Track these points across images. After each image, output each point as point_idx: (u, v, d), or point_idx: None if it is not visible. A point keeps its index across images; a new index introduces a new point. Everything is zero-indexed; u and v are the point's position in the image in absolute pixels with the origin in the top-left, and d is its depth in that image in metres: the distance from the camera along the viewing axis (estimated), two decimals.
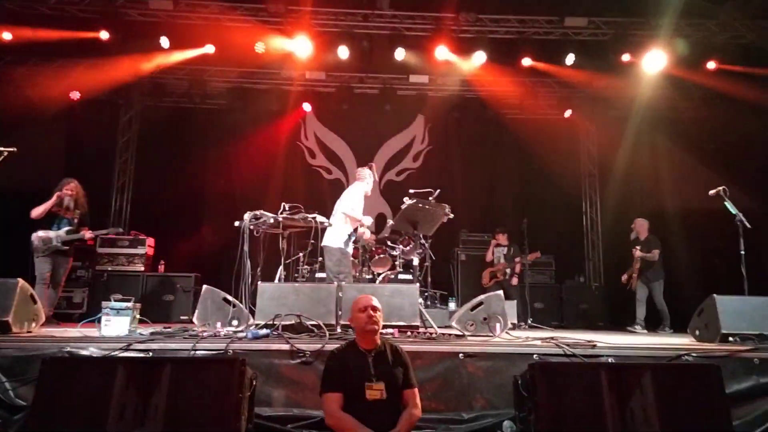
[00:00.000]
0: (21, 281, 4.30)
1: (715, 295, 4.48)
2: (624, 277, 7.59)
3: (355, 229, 5.99)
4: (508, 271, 7.95)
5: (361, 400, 2.96)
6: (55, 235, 5.81)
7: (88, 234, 5.99)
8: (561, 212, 9.68)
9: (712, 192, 5.39)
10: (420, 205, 5.06)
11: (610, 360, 3.66)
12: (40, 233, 5.77)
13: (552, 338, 4.19)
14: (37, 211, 5.75)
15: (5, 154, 5.20)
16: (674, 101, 9.27)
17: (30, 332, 4.25)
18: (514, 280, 7.91)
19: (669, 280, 7.56)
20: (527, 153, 9.81)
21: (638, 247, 7.51)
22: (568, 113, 9.63)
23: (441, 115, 9.81)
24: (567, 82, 9.31)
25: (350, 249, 5.85)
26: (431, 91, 9.62)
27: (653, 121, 9.42)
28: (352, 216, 5.91)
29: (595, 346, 3.86)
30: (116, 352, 3.52)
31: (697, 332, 4.66)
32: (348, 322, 3.31)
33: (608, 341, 4.29)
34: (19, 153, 5.28)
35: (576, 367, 3.47)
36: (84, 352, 3.54)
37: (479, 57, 8.33)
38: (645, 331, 7.08)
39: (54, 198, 5.82)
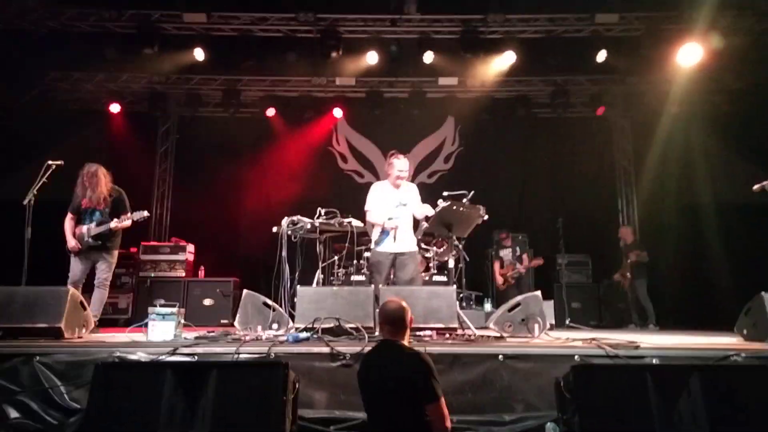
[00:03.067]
0: (71, 289, 4.47)
1: (763, 293, 4.36)
2: (616, 277, 8.11)
3: (382, 230, 5.36)
4: (521, 270, 7.91)
5: None
6: (87, 229, 5.46)
7: (113, 224, 5.46)
8: (596, 210, 9.54)
9: (756, 187, 5.23)
10: (454, 207, 5.05)
11: (654, 361, 3.59)
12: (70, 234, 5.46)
13: (593, 339, 4.13)
14: (65, 224, 5.53)
15: (53, 167, 5.43)
16: (710, 95, 9.06)
17: (81, 337, 4.41)
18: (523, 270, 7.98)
19: (703, 278, 7.47)
20: (560, 152, 9.74)
21: (636, 251, 7.86)
22: (600, 110, 9.48)
23: (471, 116, 9.78)
24: (599, 79, 9.21)
25: (382, 249, 5.30)
26: (461, 92, 9.61)
27: (688, 116, 9.21)
28: (368, 218, 5.51)
29: (638, 346, 3.80)
30: (163, 357, 3.63)
31: (745, 331, 4.53)
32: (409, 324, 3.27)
33: (651, 341, 4.22)
34: (64, 165, 5.49)
35: (620, 368, 3.43)
36: (133, 357, 3.66)
37: (509, 57, 8.28)
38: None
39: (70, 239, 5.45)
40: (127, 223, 5.55)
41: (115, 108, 9.27)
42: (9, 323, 4.13)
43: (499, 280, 8.10)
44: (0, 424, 3.35)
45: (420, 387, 2.87)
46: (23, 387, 3.51)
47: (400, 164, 5.43)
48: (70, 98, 9.32)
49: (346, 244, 5.51)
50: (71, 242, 5.44)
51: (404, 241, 5.30)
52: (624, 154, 10.07)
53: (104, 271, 5.48)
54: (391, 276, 5.31)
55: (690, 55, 7.82)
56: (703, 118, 9.10)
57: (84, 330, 4.50)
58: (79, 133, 8.90)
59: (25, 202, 5.21)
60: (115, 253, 5.62)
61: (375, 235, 5.42)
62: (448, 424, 2.88)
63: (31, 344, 3.88)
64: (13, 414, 3.41)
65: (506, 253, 8.15)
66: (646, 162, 9.45)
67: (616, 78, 9.11)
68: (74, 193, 5.58)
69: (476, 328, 4.72)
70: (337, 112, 9.74)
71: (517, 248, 8.08)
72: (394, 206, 5.37)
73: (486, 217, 5.18)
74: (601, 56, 8.14)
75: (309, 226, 5.35)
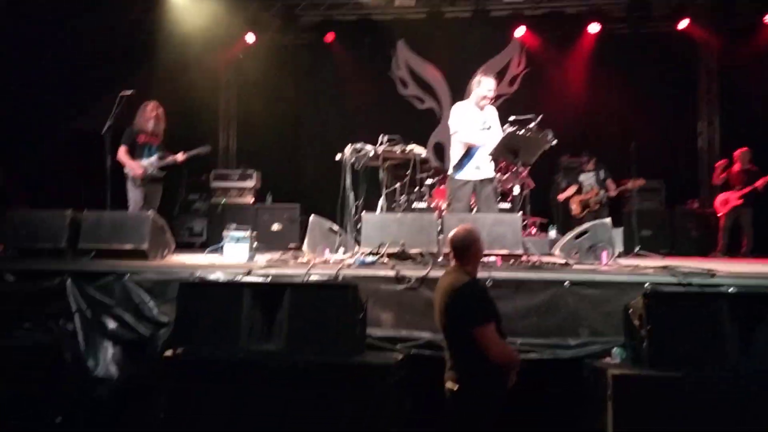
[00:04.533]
0: (153, 213, 4.77)
1: None
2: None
3: (467, 153, 5.12)
4: (602, 199, 7.57)
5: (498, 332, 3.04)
6: (149, 163, 5.67)
7: (180, 156, 5.74)
8: (673, 134, 8.97)
9: None
10: (521, 132, 4.89)
11: (731, 290, 3.47)
12: (136, 173, 5.65)
13: (665, 266, 4.02)
14: (122, 154, 5.64)
15: (125, 97, 5.62)
16: None
17: (163, 259, 4.73)
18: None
19: None
20: (636, 71, 9.07)
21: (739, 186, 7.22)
22: (683, 24, 8.69)
23: (539, 35, 9.21)
24: None
25: (462, 176, 5.16)
26: (528, 9, 9.02)
27: None
28: (461, 139, 5.21)
29: (714, 274, 3.66)
30: (239, 277, 3.85)
31: None
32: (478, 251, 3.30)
33: (728, 269, 4.05)
34: (131, 97, 5.66)
35: (693, 296, 3.34)
36: (212, 277, 3.91)
37: None
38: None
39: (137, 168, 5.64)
40: (187, 155, 5.82)
41: (179, 38, 9.33)
42: (100, 245, 4.48)
43: (576, 207, 7.81)
44: (102, 332, 3.72)
45: (466, 312, 2.99)
46: (117, 301, 3.84)
47: (490, 83, 5.17)
48: (138, 29, 9.44)
49: (407, 171, 5.52)
50: (139, 170, 5.64)
51: (487, 167, 5.19)
52: (709, 72, 9.27)
53: (158, 200, 5.81)
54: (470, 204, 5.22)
55: None
56: None
57: (166, 252, 4.81)
58: (148, 65, 9.09)
59: (103, 132, 5.46)
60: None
61: (454, 159, 5.25)
62: (494, 351, 2.94)
63: (121, 263, 4.20)
64: (111, 324, 3.77)
65: (587, 177, 7.81)
66: (735, 81, 8.68)
67: None
68: (131, 127, 5.76)
69: (541, 255, 4.69)
70: (397, 35, 9.42)
71: (601, 172, 7.64)
72: (479, 129, 5.18)
73: (554, 142, 5.00)
74: None
75: (372, 153, 5.35)
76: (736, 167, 7.43)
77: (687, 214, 8.14)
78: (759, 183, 7.07)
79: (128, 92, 5.63)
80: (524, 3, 8.91)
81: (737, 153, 7.47)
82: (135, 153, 5.72)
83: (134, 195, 5.69)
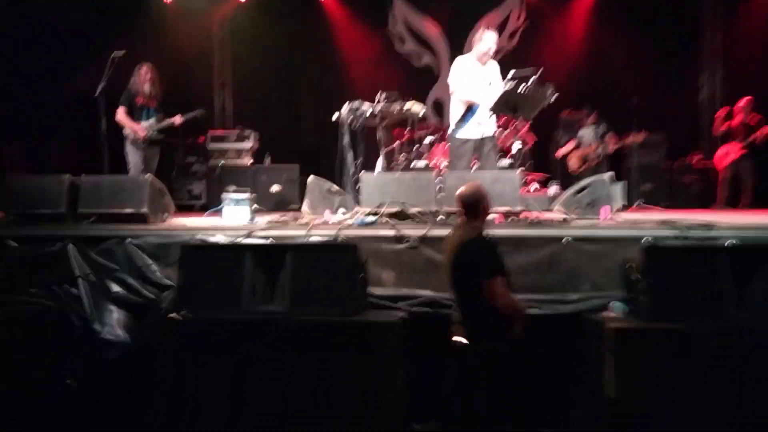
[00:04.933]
0: (151, 176, 4.74)
1: None
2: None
3: (468, 110, 5.03)
4: (601, 153, 7.51)
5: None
6: (148, 125, 5.68)
7: (177, 119, 5.81)
8: (675, 86, 8.82)
9: None
10: (520, 89, 4.81)
11: (729, 242, 3.48)
12: (138, 134, 5.67)
13: (665, 220, 4.02)
14: (121, 115, 5.61)
15: (117, 58, 5.51)
16: None
17: (164, 222, 4.73)
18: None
19: None
20: (636, 24, 8.85)
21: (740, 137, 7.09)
22: None
23: None
24: None
25: (463, 134, 5.10)
26: None
27: None
28: (460, 98, 5.12)
29: (713, 227, 3.67)
30: (240, 239, 3.86)
31: None
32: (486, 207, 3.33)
33: (728, 222, 4.05)
34: (123, 59, 5.56)
35: (692, 249, 3.36)
36: (213, 239, 3.92)
37: None
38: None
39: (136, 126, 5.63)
40: (184, 117, 5.86)
41: None
42: (99, 209, 4.48)
43: (575, 162, 7.74)
44: (107, 296, 3.76)
45: (475, 265, 3.08)
46: (120, 265, 3.87)
47: (492, 38, 5.10)
48: None
49: (407, 129, 5.46)
50: (141, 132, 5.63)
51: (488, 124, 5.13)
52: (712, 23, 9.04)
53: (155, 162, 5.83)
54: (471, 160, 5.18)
55: None
56: None
57: (166, 215, 4.80)
58: (138, 25, 8.88)
59: (96, 94, 5.37)
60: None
61: (455, 117, 5.18)
62: (503, 303, 3.04)
63: (122, 227, 4.21)
64: (115, 288, 3.81)
65: (586, 132, 7.72)
66: (740, 29, 8.48)
67: None
68: (128, 89, 5.72)
69: (542, 211, 4.69)
70: None
71: (601, 127, 7.52)
72: (480, 85, 5.09)
73: (555, 96, 4.92)
74: None
75: (368, 111, 5.27)
76: (737, 119, 7.33)
77: (688, 168, 8.09)
78: (757, 135, 6.99)
79: (120, 53, 5.52)
80: None
81: (738, 105, 7.36)
82: (133, 115, 5.68)
83: (134, 158, 5.68)
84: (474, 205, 3.24)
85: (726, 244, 3.36)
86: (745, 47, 8.47)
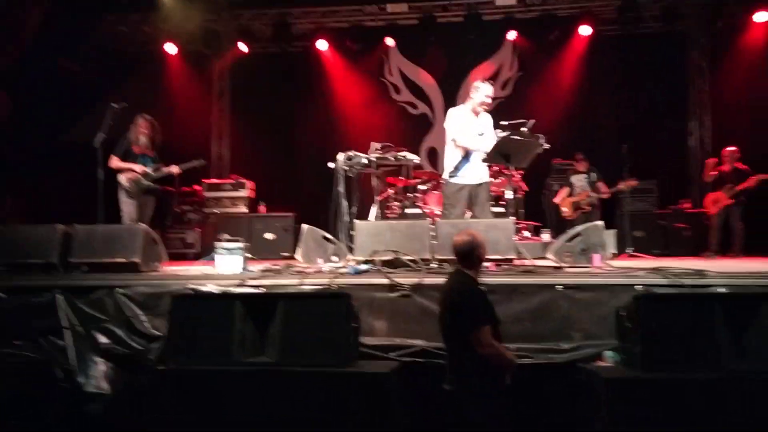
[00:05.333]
0: (145, 226, 4.76)
1: None
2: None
3: (464, 157, 5.15)
4: (593, 201, 7.61)
5: (494, 335, 3.08)
6: (144, 172, 5.71)
7: (175, 169, 5.84)
8: (665, 134, 9.00)
9: None
10: (513, 137, 4.90)
11: (722, 290, 3.48)
12: (130, 174, 5.67)
13: (657, 268, 4.03)
14: (116, 162, 5.63)
15: (117, 109, 5.62)
16: None
17: (156, 271, 4.71)
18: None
19: None
20: (627, 73, 9.12)
21: (729, 186, 7.22)
22: (674, 24, 8.74)
23: (531, 38, 9.25)
24: None
25: (458, 180, 5.20)
26: (519, 13, 9.07)
27: None
28: (460, 144, 5.20)
29: (705, 275, 3.67)
30: (232, 288, 3.84)
31: None
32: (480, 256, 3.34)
33: (719, 269, 4.06)
34: (122, 110, 5.68)
35: (685, 297, 3.35)
36: (204, 289, 3.90)
37: None
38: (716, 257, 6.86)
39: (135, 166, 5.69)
40: (181, 167, 5.91)
41: (171, 49, 9.37)
42: (91, 258, 4.47)
43: (568, 209, 7.82)
44: (93, 348, 3.70)
45: (463, 313, 3.08)
46: (109, 316, 3.83)
47: (488, 90, 5.21)
48: (129, 41, 9.46)
49: (401, 178, 5.52)
50: (138, 169, 5.66)
51: (482, 172, 5.21)
52: (699, 72, 9.31)
53: (152, 210, 5.84)
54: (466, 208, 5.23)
55: None
56: None
57: (158, 264, 4.79)
58: (139, 76, 9.12)
59: (96, 144, 5.45)
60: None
61: (451, 164, 5.26)
62: (488, 352, 3.02)
63: (113, 277, 4.18)
64: (103, 339, 3.76)
65: (578, 179, 7.82)
66: (725, 79, 8.74)
67: None
68: (124, 138, 5.78)
69: (534, 259, 4.70)
70: (389, 42, 9.45)
71: (593, 174, 7.66)
72: (473, 135, 5.20)
73: (546, 146, 5.01)
74: None
75: (364, 160, 5.36)
76: (726, 166, 7.46)
77: (679, 214, 8.15)
78: (751, 182, 7.08)
79: (120, 105, 5.63)
80: (516, 6, 8.95)
81: (725, 152, 7.51)
82: (130, 162, 5.73)
83: (127, 207, 5.69)
84: (468, 254, 3.27)
85: (719, 291, 3.36)
86: (731, 96, 8.70)
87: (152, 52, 9.44)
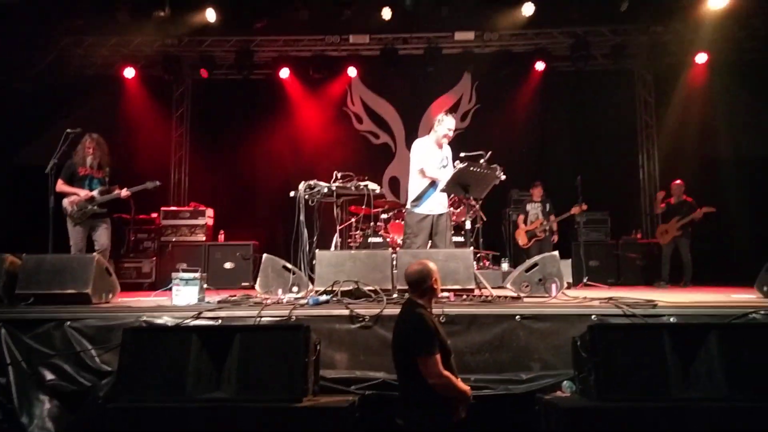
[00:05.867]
0: (97, 256, 4.60)
1: None
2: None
3: (428, 187, 5.21)
4: (547, 228, 7.85)
5: (445, 365, 3.04)
6: (89, 196, 5.47)
7: (123, 192, 5.57)
8: (616, 167, 9.39)
9: None
10: (471, 168, 5.00)
11: (672, 320, 3.60)
12: (73, 198, 5.44)
13: (611, 298, 4.15)
14: (60, 186, 5.43)
15: (72, 135, 5.44)
16: (738, 42, 8.75)
17: (108, 303, 4.55)
18: (555, 238, 7.86)
19: (724, 233, 7.64)
20: (579, 106, 9.54)
21: (677, 218, 7.60)
22: (621, 62, 9.20)
23: (489, 72, 9.55)
24: (621, 30, 8.93)
25: (421, 210, 5.25)
26: (478, 47, 9.37)
27: (714, 65, 8.95)
28: (427, 174, 5.25)
29: (656, 305, 3.80)
30: (188, 321, 3.74)
31: (765, 288, 4.50)
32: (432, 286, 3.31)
33: (669, 299, 4.21)
34: (79, 132, 5.52)
35: (637, 327, 3.45)
36: (159, 321, 3.78)
37: (527, 9, 8.05)
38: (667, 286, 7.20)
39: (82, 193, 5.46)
40: (132, 190, 5.63)
41: (129, 73, 9.25)
42: (39, 290, 4.28)
43: (523, 238, 8.02)
44: (38, 385, 3.51)
45: (411, 342, 3.05)
46: (57, 350, 3.65)
47: (451, 123, 5.28)
48: (85, 64, 9.30)
49: (363, 207, 5.54)
50: (83, 194, 5.42)
51: (443, 203, 5.29)
52: (646, 107, 9.81)
53: (105, 237, 5.54)
54: (428, 238, 5.28)
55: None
56: (729, 68, 8.83)
57: (110, 295, 4.64)
58: (95, 99, 8.94)
59: (47, 170, 5.27)
60: (109, 219, 5.67)
61: (414, 194, 5.32)
62: (437, 382, 2.98)
63: (62, 310, 4.01)
64: (49, 376, 3.58)
65: (533, 207, 8.06)
66: (668, 115, 9.24)
67: (639, 27, 8.83)
68: (69, 162, 5.56)
69: (493, 288, 4.76)
70: (351, 72, 9.59)
71: (547, 205, 7.93)
72: (437, 167, 5.29)
73: (503, 177, 5.13)
74: (624, 4, 7.85)
75: (326, 190, 5.36)
76: (673, 199, 7.83)
77: (631, 244, 8.45)
78: (698, 214, 7.43)
79: (75, 130, 5.48)
80: (474, 42, 9.25)
81: (673, 185, 7.90)
82: (75, 186, 5.52)
83: (73, 235, 5.45)
84: (419, 283, 3.25)
85: (669, 321, 3.48)
86: (676, 131, 9.18)
87: (110, 76, 9.30)
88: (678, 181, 7.88)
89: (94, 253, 4.75)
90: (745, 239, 8.00)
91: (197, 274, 4.36)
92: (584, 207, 7.66)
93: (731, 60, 8.86)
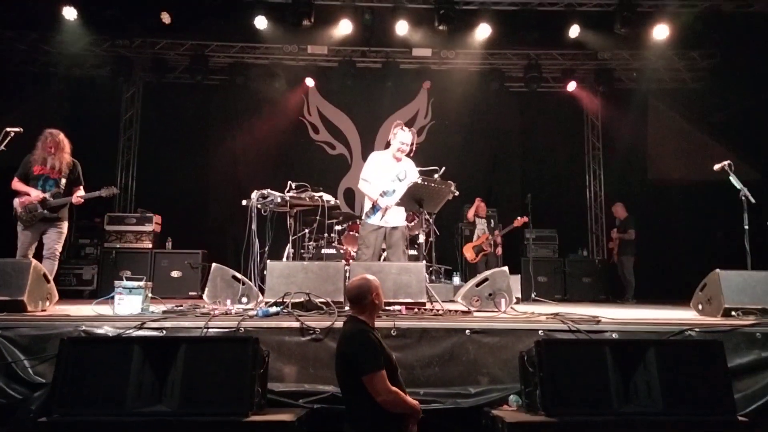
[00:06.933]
0: (34, 261, 4.36)
1: (718, 269, 4.52)
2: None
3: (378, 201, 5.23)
4: (491, 243, 8.07)
5: (392, 381, 2.99)
6: (41, 198, 5.13)
7: (75, 198, 5.21)
8: (565, 186, 9.74)
9: (717, 167, 5.38)
10: (425, 183, 5.05)
11: (614, 335, 3.73)
12: (24, 198, 5.12)
13: (557, 314, 4.25)
14: (14, 183, 5.18)
15: (12, 134, 5.18)
16: (680, 72, 9.30)
17: (44, 311, 4.32)
18: (499, 251, 8.12)
19: (670, 254, 7.80)
20: (531, 126, 9.85)
21: (624, 229, 8.11)
22: (571, 86, 9.57)
23: (444, 89, 9.74)
24: (571, 54, 9.29)
25: (374, 222, 5.23)
26: (434, 64, 9.55)
27: (658, 93, 9.48)
28: (358, 186, 5.40)
29: (599, 321, 3.92)
30: (130, 331, 3.59)
31: (700, 306, 4.71)
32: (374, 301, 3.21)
33: (612, 316, 4.36)
34: (23, 131, 5.24)
35: (581, 343, 3.55)
36: (99, 331, 3.62)
37: (483, 30, 8.25)
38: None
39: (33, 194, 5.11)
40: (85, 197, 5.30)
41: (76, 72, 8.90)
42: None
43: (471, 254, 8.20)
44: None
45: (355, 360, 2.98)
46: None
47: (405, 137, 5.27)
48: (28, 59, 8.90)
49: (316, 218, 5.50)
50: (33, 196, 5.09)
51: (396, 216, 5.28)
52: (593, 129, 10.23)
53: (55, 241, 5.20)
54: (381, 250, 5.27)
55: (660, 32, 7.98)
56: (672, 96, 9.35)
57: (48, 303, 4.40)
58: (38, 97, 8.56)
59: None
60: (66, 223, 5.35)
61: (367, 206, 5.33)
62: (384, 399, 2.92)
63: None
64: None
65: (480, 223, 8.27)
66: (615, 138, 9.67)
67: (588, 53, 9.22)
68: (27, 158, 5.26)
69: (444, 302, 4.80)
70: (309, 82, 9.57)
71: (492, 221, 8.20)
72: (390, 180, 5.29)
73: (457, 193, 5.20)
74: (574, 31, 8.19)
75: (279, 200, 5.29)
76: (616, 220, 8.22)
77: (577, 261, 8.74)
78: (623, 237, 7.91)
79: (15, 129, 5.19)
80: (431, 58, 9.41)
81: (613, 207, 8.32)
82: (29, 185, 5.19)
83: (21, 237, 5.13)
84: (360, 298, 3.17)
85: (612, 337, 3.60)
86: (620, 152, 9.59)
87: (55, 74, 8.92)
88: (618, 204, 8.32)
89: (31, 259, 4.51)
90: (686, 257, 8.37)
91: (142, 283, 4.20)
92: (525, 219, 7.90)
93: (671, 88, 9.40)
